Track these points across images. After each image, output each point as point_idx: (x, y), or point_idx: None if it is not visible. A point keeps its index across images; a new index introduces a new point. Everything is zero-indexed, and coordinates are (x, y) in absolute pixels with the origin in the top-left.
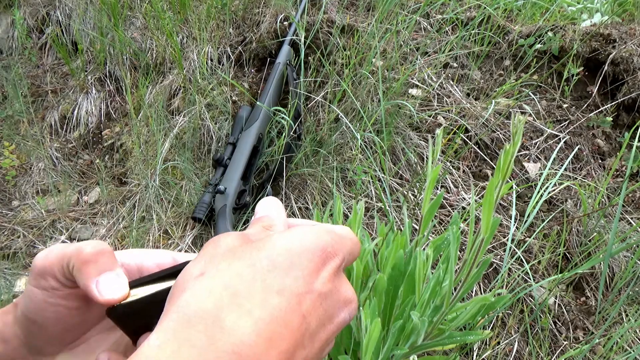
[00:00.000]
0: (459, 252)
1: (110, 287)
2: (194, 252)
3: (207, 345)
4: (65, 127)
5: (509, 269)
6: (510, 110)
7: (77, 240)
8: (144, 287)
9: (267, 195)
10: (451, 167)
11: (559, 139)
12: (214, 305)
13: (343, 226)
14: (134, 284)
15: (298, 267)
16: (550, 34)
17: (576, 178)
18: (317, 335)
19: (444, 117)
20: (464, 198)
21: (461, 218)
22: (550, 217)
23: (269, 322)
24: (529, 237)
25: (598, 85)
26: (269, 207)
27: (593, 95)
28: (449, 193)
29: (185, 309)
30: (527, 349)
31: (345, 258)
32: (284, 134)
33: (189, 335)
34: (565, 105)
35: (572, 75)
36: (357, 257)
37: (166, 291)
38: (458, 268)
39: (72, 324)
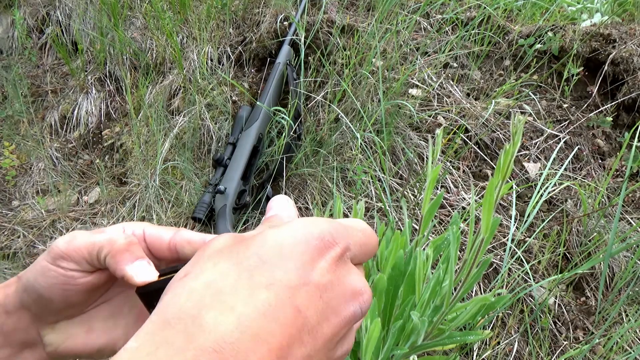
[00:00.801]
0: (459, 252)
1: (144, 271)
2: None
3: (185, 344)
4: (65, 127)
5: (509, 269)
6: (510, 110)
7: None
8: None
9: (267, 196)
10: (451, 167)
11: (559, 139)
12: (194, 305)
13: (354, 219)
14: (164, 272)
15: (290, 259)
16: (550, 34)
17: (576, 178)
18: (320, 330)
19: (444, 117)
20: (464, 198)
21: (461, 218)
22: (550, 217)
23: (255, 318)
24: (529, 237)
25: (598, 85)
26: (278, 206)
27: (593, 95)
28: (449, 193)
29: (165, 310)
30: (527, 349)
31: (352, 249)
32: (284, 134)
33: (167, 336)
34: (565, 105)
35: (572, 75)
36: (372, 250)
37: None
38: (458, 268)
39: (76, 302)
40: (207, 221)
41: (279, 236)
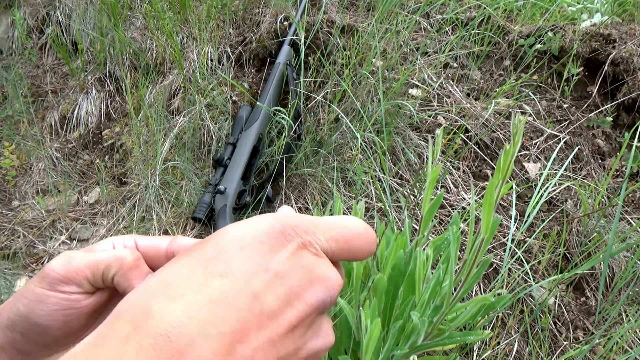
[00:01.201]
0: (459, 252)
1: None
2: None
3: (131, 332)
4: (65, 127)
5: (509, 269)
6: (510, 110)
7: (77, 241)
8: None
9: (267, 196)
10: (451, 167)
11: (559, 139)
12: (144, 297)
13: (345, 216)
14: None
15: (248, 249)
16: (550, 34)
17: (576, 178)
18: (282, 315)
19: (444, 117)
20: (464, 198)
21: (461, 218)
22: (550, 217)
23: (205, 304)
24: (529, 237)
25: (598, 85)
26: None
27: (593, 95)
28: (449, 193)
29: (118, 307)
30: (527, 349)
31: (323, 242)
32: (284, 134)
33: (115, 327)
34: (565, 105)
35: (572, 75)
36: (361, 246)
37: None
38: (458, 268)
39: (77, 327)
40: (207, 221)
41: (240, 228)
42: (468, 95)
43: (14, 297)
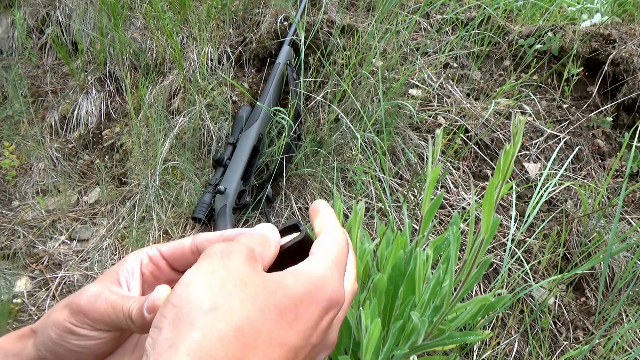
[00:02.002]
0: (459, 253)
1: None
2: None
3: None
4: (65, 127)
5: (509, 269)
6: (510, 110)
7: (77, 241)
8: None
9: (267, 196)
10: (451, 167)
11: (559, 139)
12: (225, 355)
13: (336, 240)
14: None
15: (302, 320)
16: (550, 34)
17: (576, 178)
18: None
19: (444, 117)
20: (464, 198)
21: (461, 218)
22: (550, 217)
23: None
24: (529, 238)
25: (598, 85)
26: (325, 212)
27: (593, 95)
28: (449, 193)
29: (197, 355)
30: (527, 349)
31: (343, 287)
32: (284, 134)
33: None
34: (565, 106)
35: (572, 76)
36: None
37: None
38: (458, 268)
39: (108, 350)
40: (207, 221)
41: (296, 291)
42: (468, 95)
43: (45, 317)
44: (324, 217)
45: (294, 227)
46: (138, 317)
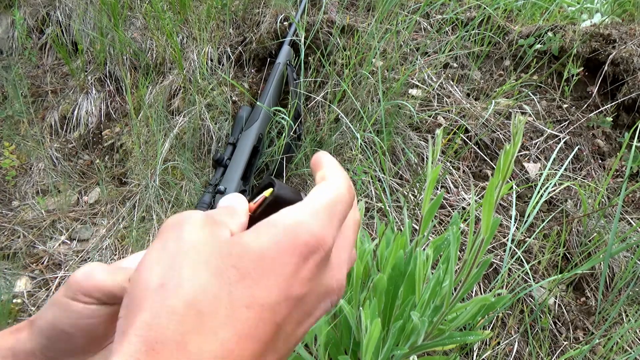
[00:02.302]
0: (459, 253)
1: None
2: None
3: None
4: (65, 127)
5: (509, 269)
6: (510, 110)
7: (77, 241)
8: None
9: None
10: (451, 167)
11: (559, 139)
12: (176, 328)
13: (331, 184)
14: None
15: (271, 274)
16: (550, 34)
17: (576, 178)
18: (294, 335)
19: (444, 117)
20: (464, 198)
21: (461, 218)
22: (550, 217)
23: (237, 342)
24: (529, 237)
25: (598, 85)
26: (330, 165)
27: (593, 95)
28: (449, 193)
29: (147, 333)
30: (527, 349)
31: (335, 234)
32: (284, 134)
33: None
34: (565, 106)
35: (572, 76)
36: (342, 215)
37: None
38: (458, 268)
39: (99, 335)
40: None
41: (261, 246)
42: (468, 95)
43: (47, 304)
44: (326, 168)
45: (270, 185)
46: (126, 282)
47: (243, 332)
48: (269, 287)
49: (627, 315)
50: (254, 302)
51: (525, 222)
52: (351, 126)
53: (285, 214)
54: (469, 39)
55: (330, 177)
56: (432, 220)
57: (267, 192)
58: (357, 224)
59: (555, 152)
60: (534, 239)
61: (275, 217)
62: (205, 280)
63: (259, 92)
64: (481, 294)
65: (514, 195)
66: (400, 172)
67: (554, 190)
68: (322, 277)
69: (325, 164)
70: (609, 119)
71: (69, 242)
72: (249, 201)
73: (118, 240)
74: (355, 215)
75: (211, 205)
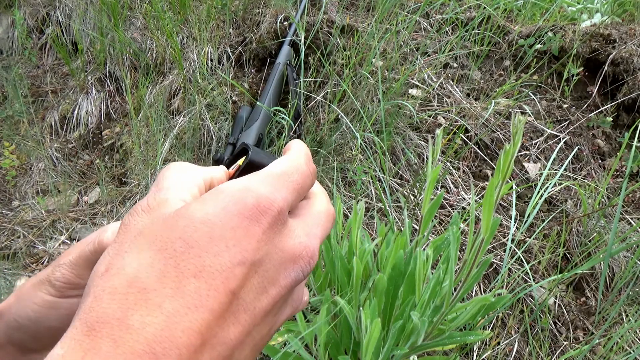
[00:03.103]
0: (459, 253)
1: None
2: None
3: (114, 349)
4: (65, 127)
5: (509, 269)
6: (510, 110)
7: (77, 241)
8: None
9: None
10: (451, 167)
11: (559, 139)
12: (118, 307)
13: (288, 157)
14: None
15: (220, 239)
16: (550, 34)
17: (576, 178)
18: (258, 304)
19: (444, 117)
20: (464, 198)
21: (461, 218)
22: (550, 217)
23: (185, 313)
24: (529, 238)
25: (598, 85)
26: (296, 149)
27: (593, 95)
28: (449, 193)
29: (88, 316)
30: (527, 349)
31: (290, 200)
32: (284, 134)
33: (94, 342)
34: (565, 106)
35: (572, 76)
36: (312, 180)
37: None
38: (458, 268)
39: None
40: None
41: (207, 213)
42: (468, 95)
43: (16, 298)
44: (292, 149)
45: (245, 151)
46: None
47: (192, 303)
48: (218, 253)
49: (627, 315)
50: (202, 270)
51: (525, 222)
52: (351, 126)
53: (234, 181)
54: (469, 39)
55: (290, 152)
56: (432, 220)
57: (242, 159)
58: (329, 213)
59: (555, 152)
60: (534, 239)
61: (223, 185)
62: (149, 258)
63: (259, 92)
64: (481, 294)
65: (514, 195)
66: (400, 172)
67: (554, 190)
68: (280, 240)
69: (292, 145)
70: (609, 119)
71: (69, 242)
72: (228, 168)
73: None
74: (328, 206)
75: None
